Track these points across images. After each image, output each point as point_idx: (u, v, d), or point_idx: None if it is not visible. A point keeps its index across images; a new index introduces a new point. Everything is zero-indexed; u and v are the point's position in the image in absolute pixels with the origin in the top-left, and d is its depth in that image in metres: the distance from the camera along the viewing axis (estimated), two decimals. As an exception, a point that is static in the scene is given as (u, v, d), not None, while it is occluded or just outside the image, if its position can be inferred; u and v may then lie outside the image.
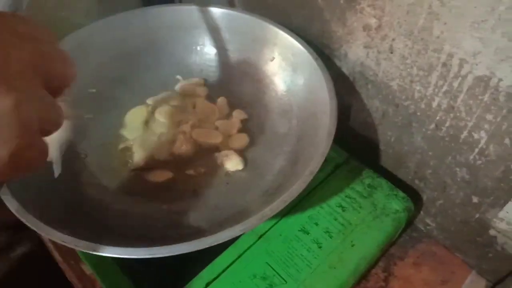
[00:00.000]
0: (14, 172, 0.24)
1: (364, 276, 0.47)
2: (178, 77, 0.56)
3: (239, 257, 0.42)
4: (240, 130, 0.51)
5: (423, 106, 0.42)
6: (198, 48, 0.57)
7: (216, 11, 0.54)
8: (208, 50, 0.57)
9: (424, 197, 0.50)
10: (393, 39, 0.41)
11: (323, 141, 0.39)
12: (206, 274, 0.41)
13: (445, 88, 0.39)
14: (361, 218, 0.45)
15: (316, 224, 0.44)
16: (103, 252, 0.32)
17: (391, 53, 0.42)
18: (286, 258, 0.42)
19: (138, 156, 0.48)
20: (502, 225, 0.41)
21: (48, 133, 0.27)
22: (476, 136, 0.39)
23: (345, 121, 0.54)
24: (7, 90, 0.22)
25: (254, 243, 0.43)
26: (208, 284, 0.40)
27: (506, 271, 0.45)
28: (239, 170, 0.47)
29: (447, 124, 0.41)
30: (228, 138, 0.50)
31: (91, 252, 0.33)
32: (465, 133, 0.40)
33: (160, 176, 0.47)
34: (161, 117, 0.51)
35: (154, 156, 0.48)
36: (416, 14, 0.37)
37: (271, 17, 0.52)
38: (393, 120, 0.47)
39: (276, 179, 0.45)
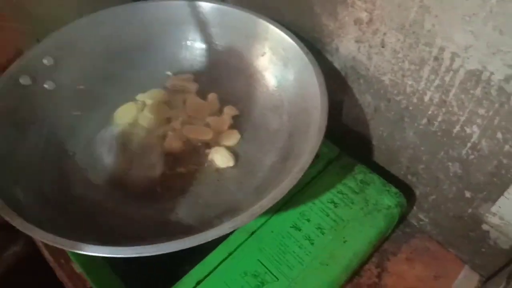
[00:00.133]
0: None
1: (357, 272, 0.47)
2: (168, 73, 0.55)
3: (230, 254, 0.42)
4: (231, 127, 0.50)
5: (415, 100, 0.42)
6: (189, 43, 0.56)
7: (206, 6, 0.53)
8: (199, 46, 0.56)
9: (417, 192, 0.49)
10: (385, 33, 0.40)
11: (314, 137, 0.39)
12: (196, 272, 0.41)
13: (437, 82, 0.38)
14: (353, 214, 0.45)
15: (308, 220, 0.44)
16: (90, 252, 0.32)
17: (383, 47, 0.42)
18: (277, 255, 0.42)
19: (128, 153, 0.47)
20: (494, 220, 0.40)
21: None
22: (468, 130, 0.38)
23: (337, 117, 0.53)
24: None
25: (246, 240, 0.43)
26: (198, 282, 0.40)
27: (499, 266, 0.44)
28: (230, 167, 0.47)
29: (439, 118, 0.41)
30: (219, 135, 0.49)
31: (78, 252, 0.32)
32: (457, 128, 0.39)
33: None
34: (151, 113, 0.51)
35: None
36: (407, 8, 0.37)
37: (262, 12, 0.51)
38: (385, 115, 0.47)
39: (267, 176, 0.45)
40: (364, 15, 0.41)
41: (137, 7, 0.54)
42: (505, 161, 0.37)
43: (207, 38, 0.55)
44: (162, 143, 0.48)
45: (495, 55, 0.32)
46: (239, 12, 0.52)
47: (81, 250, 0.32)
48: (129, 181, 0.46)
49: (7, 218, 0.34)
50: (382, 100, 0.46)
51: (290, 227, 0.44)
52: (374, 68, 0.44)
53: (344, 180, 0.47)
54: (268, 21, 0.50)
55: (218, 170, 0.47)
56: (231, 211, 0.41)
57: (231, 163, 0.47)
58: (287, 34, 0.48)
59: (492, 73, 0.33)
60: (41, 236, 0.32)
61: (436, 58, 0.37)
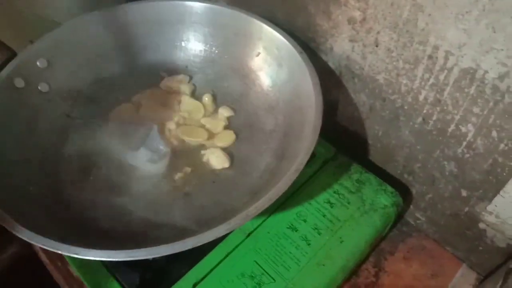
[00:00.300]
0: None
1: (354, 272, 0.46)
2: (163, 74, 0.55)
3: (227, 256, 0.42)
4: (226, 127, 0.50)
5: (409, 99, 0.42)
6: (183, 44, 0.56)
7: (200, 6, 0.53)
8: (193, 46, 0.56)
9: (413, 191, 0.49)
10: (378, 32, 0.40)
11: (309, 137, 0.39)
12: (193, 274, 0.40)
13: (431, 81, 0.38)
14: (350, 214, 0.44)
15: (305, 220, 0.44)
16: (84, 256, 0.32)
17: (377, 46, 0.41)
18: (274, 256, 0.42)
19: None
20: (491, 218, 0.40)
21: None
22: (463, 129, 0.38)
23: (333, 116, 0.53)
24: None
25: (242, 241, 0.42)
26: (195, 284, 0.40)
27: (496, 264, 0.44)
28: (226, 168, 0.46)
29: (434, 117, 0.40)
30: (214, 136, 0.49)
31: (72, 256, 0.32)
32: (452, 127, 0.39)
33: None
34: (146, 115, 0.50)
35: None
36: (400, 6, 0.37)
37: (256, 11, 0.51)
38: (380, 114, 0.46)
39: (262, 176, 0.45)
40: (357, 14, 0.41)
41: (131, 8, 0.54)
42: (500, 159, 0.37)
43: (201, 38, 0.55)
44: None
45: (488, 53, 0.32)
46: (232, 12, 0.51)
47: (78, 254, 0.32)
48: (124, 183, 0.46)
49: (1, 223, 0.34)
50: (377, 99, 0.46)
51: (287, 227, 0.43)
52: (369, 67, 0.44)
53: (340, 179, 0.47)
54: (262, 21, 0.49)
55: (214, 172, 0.47)
56: (227, 212, 0.41)
57: (226, 164, 0.46)
58: (281, 34, 0.48)
59: (486, 71, 0.33)
60: (36, 241, 0.32)
61: (430, 57, 0.37)
